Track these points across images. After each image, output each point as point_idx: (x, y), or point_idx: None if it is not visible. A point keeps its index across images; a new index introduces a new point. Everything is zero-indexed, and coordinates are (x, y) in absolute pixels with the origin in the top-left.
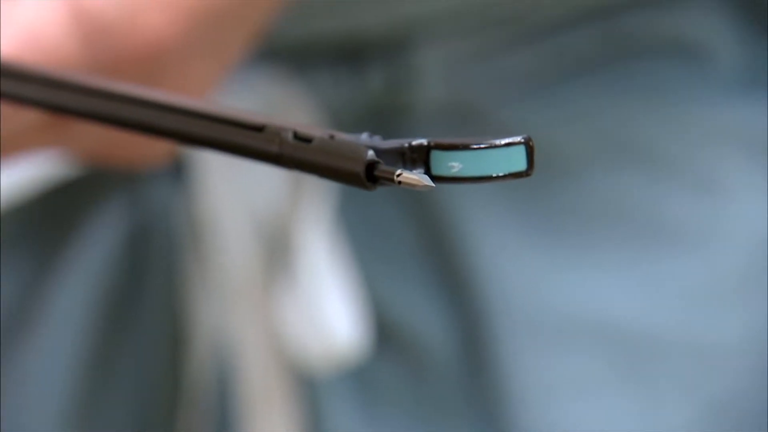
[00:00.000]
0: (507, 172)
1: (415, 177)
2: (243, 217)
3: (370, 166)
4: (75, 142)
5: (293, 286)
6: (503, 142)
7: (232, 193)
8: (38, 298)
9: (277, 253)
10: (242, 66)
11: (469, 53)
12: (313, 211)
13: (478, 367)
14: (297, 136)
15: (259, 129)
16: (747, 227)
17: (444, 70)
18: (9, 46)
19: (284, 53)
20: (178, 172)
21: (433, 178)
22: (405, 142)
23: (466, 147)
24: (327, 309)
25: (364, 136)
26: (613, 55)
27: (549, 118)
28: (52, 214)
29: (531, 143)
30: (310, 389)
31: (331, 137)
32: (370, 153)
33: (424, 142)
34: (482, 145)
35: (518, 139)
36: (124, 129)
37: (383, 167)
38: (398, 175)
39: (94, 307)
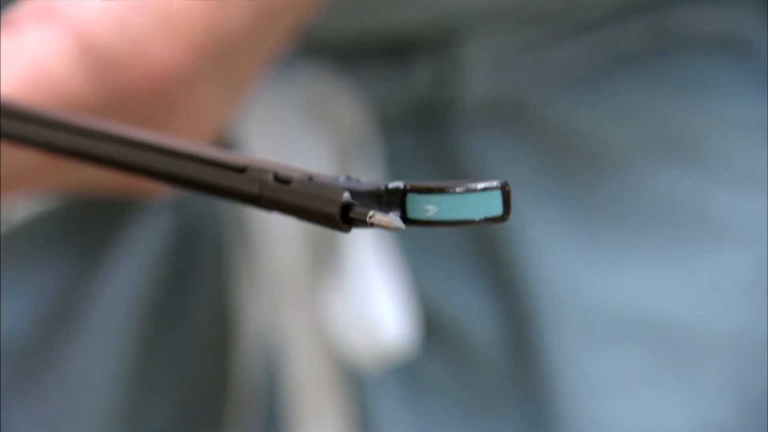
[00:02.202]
0: (483, 217)
1: (387, 219)
2: None
3: (345, 208)
4: (78, 175)
5: (341, 282)
6: (479, 186)
7: None
8: (85, 294)
9: (324, 248)
10: (288, 61)
11: (514, 48)
12: None
13: (524, 361)
14: (277, 178)
15: (240, 170)
16: None
17: (490, 65)
18: (15, 81)
19: (330, 48)
20: None
21: (409, 221)
22: (381, 185)
23: (442, 191)
24: (375, 305)
25: (342, 179)
26: (657, 50)
27: (593, 112)
28: (100, 210)
29: (507, 188)
30: (358, 385)
31: (310, 179)
32: (346, 195)
33: (401, 185)
34: (458, 190)
35: (494, 183)
36: (103, 167)
37: (358, 209)
38: (371, 217)
39: (141, 303)
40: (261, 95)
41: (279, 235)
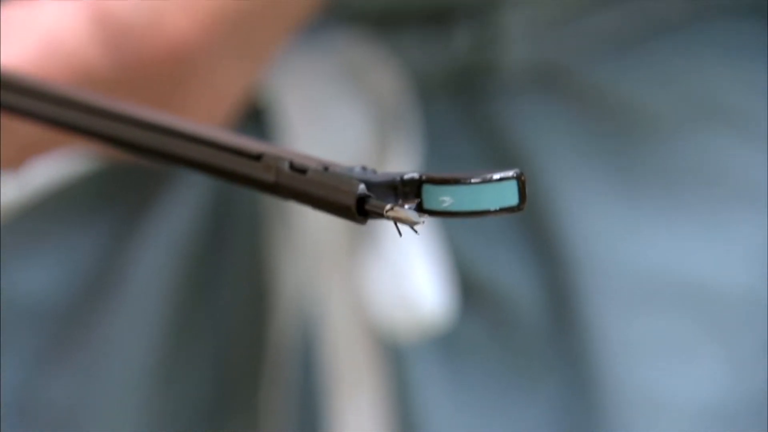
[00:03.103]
0: (499, 207)
1: (404, 212)
2: None
3: (361, 199)
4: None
5: (378, 250)
6: (495, 177)
7: (316, 151)
8: (122, 259)
9: None
10: (325, 28)
11: (554, 14)
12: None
13: (564, 326)
14: (293, 167)
15: (256, 157)
16: None
17: (529, 30)
18: (30, 53)
19: (369, 15)
20: (260, 130)
21: (425, 212)
22: (397, 176)
23: (457, 181)
24: (412, 274)
25: (358, 169)
26: (696, 15)
27: (633, 78)
28: (137, 175)
29: (523, 178)
30: (395, 354)
31: (326, 169)
32: (362, 187)
33: (416, 176)
34: (474, 180)
35: (510, 174)
36: (117, 147)
37: (374, 201)
38: (388, 210)
39: (178, 268)
40: (298, 63)
41: None
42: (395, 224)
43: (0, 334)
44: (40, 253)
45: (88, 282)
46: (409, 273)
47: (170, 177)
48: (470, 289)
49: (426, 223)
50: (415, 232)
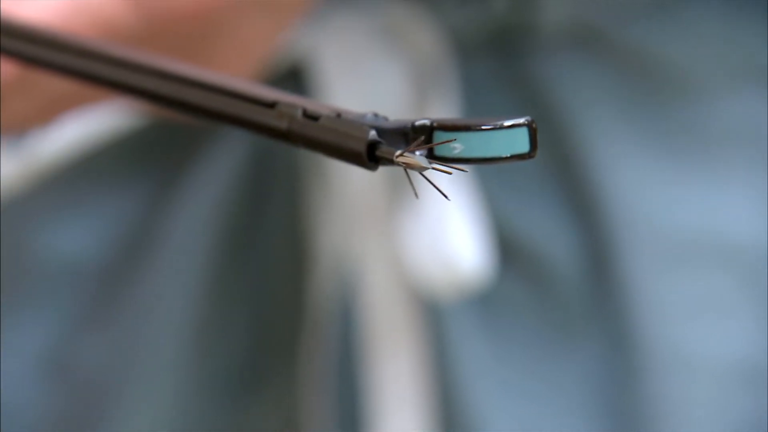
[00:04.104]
0: (510, 154)
1: (414, 158)
2: None
3: (372, 145)
4: None
5: (416, 208)
6: (506, 123)
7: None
8: (162, 218)
9: (399, 175)
10: None
11: None
12: None
13: (602, 285)
14: (305, 114)
15: (270, 105)
16: None
17: None
18: (56, 9)
19: None
20: (299, 89)
21: (436, 159)
22: (408, 123)
23: (468, 128)
24: (451, 233)
25: (369, 116)
26: None
27: (670, 37)
28: (175, 135)
29: (534, 125)
30: (434, 313)
31: (338, 116)
32: (372, 133)
33: (427, 122)
34: (485, 127)
35: (521, 120)
36: (134, 97)
37: (384, 147)
38: (398, 156)
39: (217, 228)
40: (337, 22)
41: None
42: (405, 171)
43: (39, 292)
44: (79, 211)
45: (126, 241)
46: (447, 232)
47: (210, 135)
48: (508, 247)
49: (464, 182)
50: (426, 179)
